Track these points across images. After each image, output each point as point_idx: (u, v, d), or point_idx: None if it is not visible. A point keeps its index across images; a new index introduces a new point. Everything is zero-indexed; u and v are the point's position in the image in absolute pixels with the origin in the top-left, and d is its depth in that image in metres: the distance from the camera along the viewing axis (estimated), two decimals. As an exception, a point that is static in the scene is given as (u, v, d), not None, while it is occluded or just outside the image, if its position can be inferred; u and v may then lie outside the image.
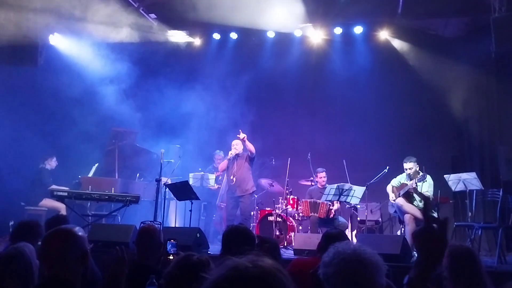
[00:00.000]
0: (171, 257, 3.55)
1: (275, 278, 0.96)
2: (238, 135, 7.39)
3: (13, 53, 6.35)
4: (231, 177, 7.57)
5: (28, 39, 6.34)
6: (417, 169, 6.63)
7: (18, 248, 2.57)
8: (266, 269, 0.96)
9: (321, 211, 7.35)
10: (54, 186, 7.32)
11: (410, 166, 6.61)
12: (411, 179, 6.56)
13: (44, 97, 8.00)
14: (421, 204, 6.45)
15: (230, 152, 7.61)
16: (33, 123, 7.96)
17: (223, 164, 7.81)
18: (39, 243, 2.69)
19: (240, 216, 7.56)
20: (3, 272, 2.44)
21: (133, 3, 7.73)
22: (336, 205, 7.31)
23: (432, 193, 6.45)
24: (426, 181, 6.45)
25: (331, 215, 7.39)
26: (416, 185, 6.40)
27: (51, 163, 7.81)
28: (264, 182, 8.36)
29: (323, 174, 7.76)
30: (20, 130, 7.85)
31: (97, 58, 8.28)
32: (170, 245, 3.61)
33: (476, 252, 3.10)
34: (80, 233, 2.18)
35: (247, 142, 7.38)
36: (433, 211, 6.42)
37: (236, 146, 7.55)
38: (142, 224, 3.77)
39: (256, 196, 8.09)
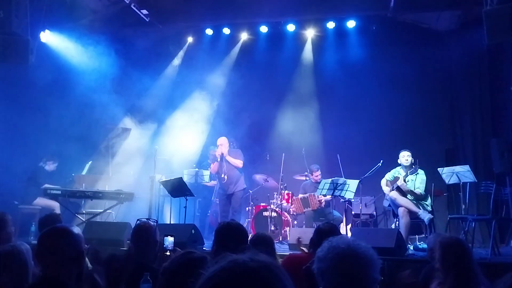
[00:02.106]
0: (167, 253, 3.55)
1: (272, 272, 0.98)
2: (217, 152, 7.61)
3: (3, 51, 6.26)
4: (222, 175, 7.61)
5: (18, 36, 6.26)
6: (412, 161, 6.66)
7: (15, 247, 2.56)
8: (264, 263, 0.99)
9: (313, 203, 7.39)
10: (47, 185, 7.27)
11: (407, 154, 6.63)
12: (406, 171, 6.58)
13: (37, 95, 7.92)
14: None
15: (217, 154, 7.63)
16: (25, 121, 7.89)
17: (214, 167, 7.83)
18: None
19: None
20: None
21: (124, -1, 7.68)
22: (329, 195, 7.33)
23: (423, 189, 6.40)
24: (418, 173, 6.47)
25: (323, 205, 7.43)
26: (405, 181, 6.44)
27: (50, 166, 7.69)
28: (259, 177, 8.36)
29: (319, 172, 7.78)
30: (13, 128, 7.79)
31: (87, 55, 8.21)
32: (167, 241, 3.61)
33: (466, 244, 3.12)
34: (76, 232, 2.15)
35: (229, 158, 7.52)
36: (426, 205, 6.43)
37: (221, 146, 7.57)
38: (137, 222, 3.74)
39: (250, 191, 8.10)
